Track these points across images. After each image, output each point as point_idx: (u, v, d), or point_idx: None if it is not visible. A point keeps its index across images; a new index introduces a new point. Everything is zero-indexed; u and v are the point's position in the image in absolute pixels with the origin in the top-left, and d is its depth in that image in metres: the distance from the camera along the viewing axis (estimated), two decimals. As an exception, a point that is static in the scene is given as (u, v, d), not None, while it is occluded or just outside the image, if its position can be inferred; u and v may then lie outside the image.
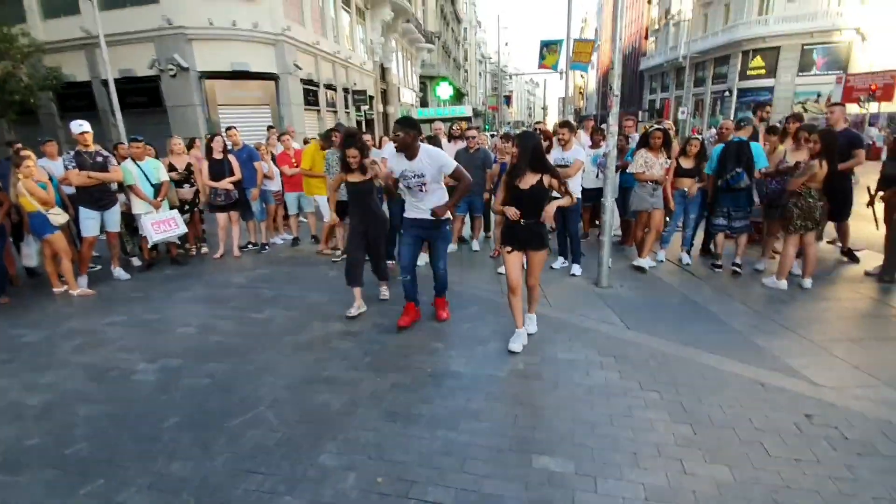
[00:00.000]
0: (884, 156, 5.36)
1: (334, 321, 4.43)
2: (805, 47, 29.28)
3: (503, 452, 2.56)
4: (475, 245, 6.96)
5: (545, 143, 6.64)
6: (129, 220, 6.19)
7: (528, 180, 3.52)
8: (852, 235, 5.80)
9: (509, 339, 3.77)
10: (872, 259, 5.51)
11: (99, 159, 5.52)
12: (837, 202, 4.98)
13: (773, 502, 2.19)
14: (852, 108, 21.53)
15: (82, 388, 3.37)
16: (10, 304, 5.09)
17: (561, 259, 5.93)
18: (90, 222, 5.50)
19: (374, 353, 3.77)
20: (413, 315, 4.27)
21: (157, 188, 6.02)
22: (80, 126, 5.43)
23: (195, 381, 3.40)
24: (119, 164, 5.86)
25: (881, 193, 5.05)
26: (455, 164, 3.93)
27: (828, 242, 6.32)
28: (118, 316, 4.71)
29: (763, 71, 30.95)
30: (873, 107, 20.23)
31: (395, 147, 3.88)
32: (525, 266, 3.81)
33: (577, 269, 5.64)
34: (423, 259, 5.61)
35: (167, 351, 3.90)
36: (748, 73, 31.65)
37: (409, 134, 3.78)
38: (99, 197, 5.52)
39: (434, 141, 6.08)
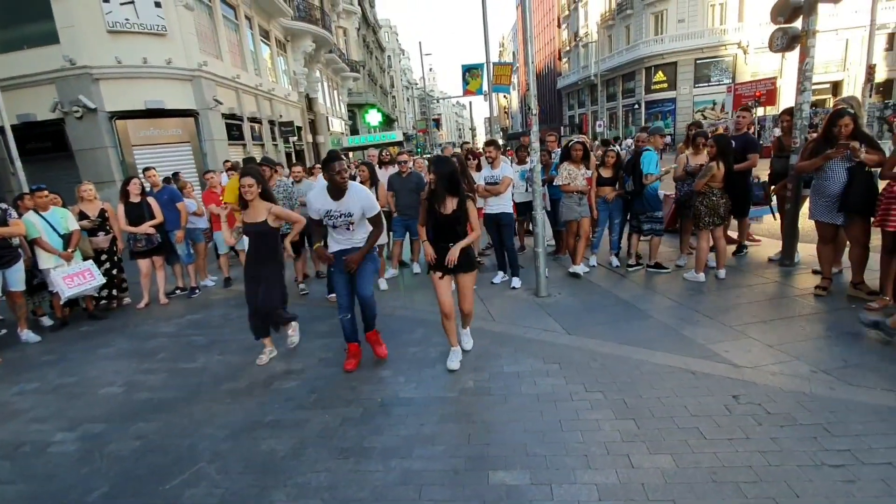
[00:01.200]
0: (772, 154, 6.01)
1: (276, 361, 4.25)
2: (698, 62, 32.45)
3: (459, 474, 2.55)
4: (415, 268, 6.98)
5: (474, 161, 6.90)
6: (31, 275, 5.61)
7: (449, 206, 3.56)
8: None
9: (464, 350, 3.92)
10: (773, 247, 6.10)
11: None
12: (738, 200, 5.46)
13: (713, 482, 2.33)
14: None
15: (-13, 470, 2.99)
16: None
17: (500, 273, 6.07)
18: None
19: (319, 390, 3.64)
20: (359, 356, 4.04)
21: (67, 239, 5.56)
22: None
23: (122, 445, 3.12)
24: (21, 216, 5.36)
25: (773, 187, 5.64)
26: (378, 209, 3.82)
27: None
28: (29, 384, 4.25)
29: (665, 84, 33.92)
30: (759, 111, 22.63)
31: (328, 186, 3.68)
32: (455, 290, 3.84)
33: (516, 281, 5.80)
34: (382, 283, 5.57)
35: (88, 416, 3.55)
36: (653, 87, 34.56)
37: (340, 173, 3.56)
38: None
39: (370, 168, 6.09)
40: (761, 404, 2.94)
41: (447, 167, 3.59)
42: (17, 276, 5.23)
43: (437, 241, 3.69)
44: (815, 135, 4.93)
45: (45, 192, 5.55)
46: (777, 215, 5.85)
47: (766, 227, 6.98)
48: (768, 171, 5.93)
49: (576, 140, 5.98)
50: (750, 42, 30.32)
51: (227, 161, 6.64)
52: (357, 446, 2.88)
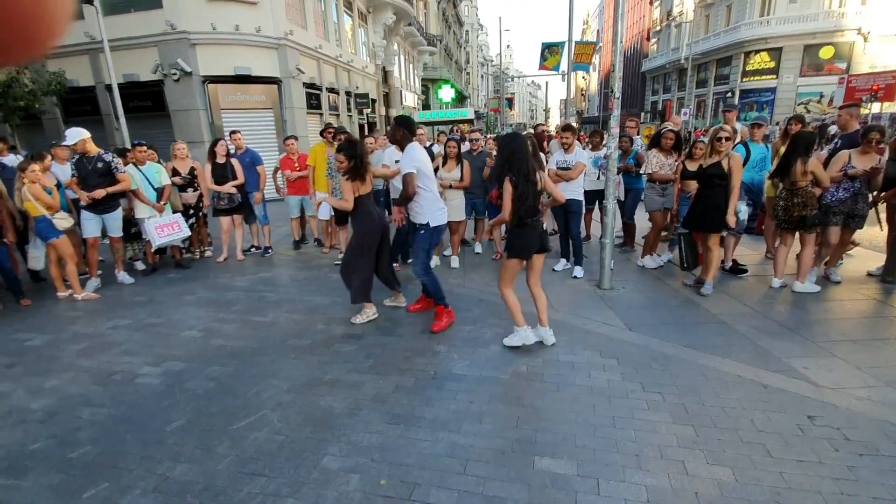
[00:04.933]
0: (886, 156, 5.34)
1: (337, 324, 4.45)
2: (808, 48, 29.23)
3: (505, 454, 2.57)
4: (477, 248, 6.98)
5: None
6: (132, 224, 6.22)
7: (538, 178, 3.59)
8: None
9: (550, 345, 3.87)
10: (875, 259, 5.50)
11: (100, 165, 5.48)
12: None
13: (775, 503, 2.19)
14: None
15: (86, 392, 3.39)
16: (31, 306, 5.19)
17: (563, 261, 5.94)
18: (90, 223, 5.53)
19: (376, 356, 3.78)
20: (424, 304, 4.57)
21: (160, 192, 6.06)
22: (76, 135, 5.35)
23: (199, 385, 3.42)
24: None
25: (883, 194, 5.04)
26: (409, 169, 4.00)
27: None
28: (122, 320, 4.74)
29: (769, 71, 30.85)
30: (875, 107, 20.15)
31: (389, 139, 4.22)
32: (526, 269, 3.82)
33: (578, 271, 5.65)
34: (434, 261, 5.78)
35: (170, 354, 3.92)
36: (748, 70, 31.57)
37: (398, 131, 4.12)
38: (99, 201, 5.47)
39: (459, 144, 6.19)
40: (840, 429, 2.70)
41: (505, 146, 3.61)
42: (115, 223, 5.77)
43: (522, 223, 3.54)
44: None
45: (145, 148, 6.07)
46: (884, 225, 5.24)
47: (868, 236, 6.28)
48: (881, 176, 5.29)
49: (669, 128, 5.67)
50: (872, 29, 26.84)
51: (330, 126, 6.91)
52: (408, 414, 2.97)
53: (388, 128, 4.12)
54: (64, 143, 5.53)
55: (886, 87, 19.95)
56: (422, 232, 4.20)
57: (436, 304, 4.31)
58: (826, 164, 4.90)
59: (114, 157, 5.64)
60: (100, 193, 5.41)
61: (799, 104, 28.81)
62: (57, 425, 2.98)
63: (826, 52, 28.71)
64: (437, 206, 4.23)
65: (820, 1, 28.75)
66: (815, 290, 4.76)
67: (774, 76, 30.50)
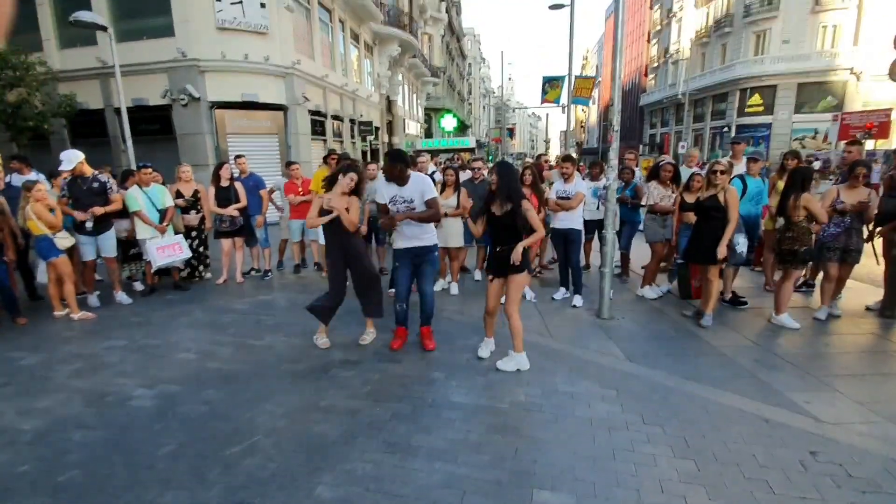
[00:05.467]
0: (881, 192, 5.41)
1: (334, 349, 4.41)
2: (801, 86, 29.97)
3: (503, 486, 2.52)
4: (477, 275, 6.98)
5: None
6: (131, 245, 6.24)
7: (504, 206, 3.77)
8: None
9: (510, 369, 3.90)
10: (873, 294, 5.50)
11: (95, 185, 5.55)
12: None
13: (779, 543, 2.13)
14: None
15: (78, 413, 3.34)
16: (27, 325, 5.17)
17: (563, 290, 5.93)
18: (86, 247, 5.59)
19: (373, 382, 3.74)
20: (404, 338, 4.47)
21: (163, 213, 6.11)
22: (74, 159, 5.38)
23: (192, 409, 3.37)
24: (127, 189, 5.97)
25: (879, 229, 5.09)
26: (435, 194, 4.15)
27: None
28: (118, 341, 4.70)
29: (761, 108, 31.59)
30: (869, 144, 20.54)
31: (385, 177, 4.23)
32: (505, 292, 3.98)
33: (578, 300, 5.64)
34: (440, 284, 5.94)
35: (166, 377, 3.88)
36: (746, 110, 32.29)
37: (395, 167, 4.06)
38: (95, 221, 5.52)
39: (457, 172, 6.30)
40: (842, 465, 2.65)
41: (505, 170, 3.87)
42: (110, 243, 5.79)
43: (494, 245, 3.90)
44: None
45: (150, 170, 6.14)
46: (881, 259, 5.27)
47: (864, 270, 6.30)
48: (876, 212, 5.35)
49: (666, 161, 5.78)
50: (865, 69, 27.60)
51: (333, 152, 7.06)
52: (404, 442, 2.92)
53: (384, 164, 4.21)
54: (61, 168, 5.54)
55: (880, 125, 20.37)
56: (436, 253, 4.39)
57: (424, 325, 4.42)
58: None
59: (108, 178, 5.72)
60: (98, 210, 5.49)
61: (794, 140, 29.35)
62: (46, 447, 2.93)
63: (825, 104, 29.53)
64: (434, 229, 4.42)
65: (813, 42, 29.65)
66: (795, 326, 4.73)
67: (770, 113, 31.18)
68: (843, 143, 21.05)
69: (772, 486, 2.49)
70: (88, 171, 5.59)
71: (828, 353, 4.23)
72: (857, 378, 3.72)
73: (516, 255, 3.69)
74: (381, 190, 4.20)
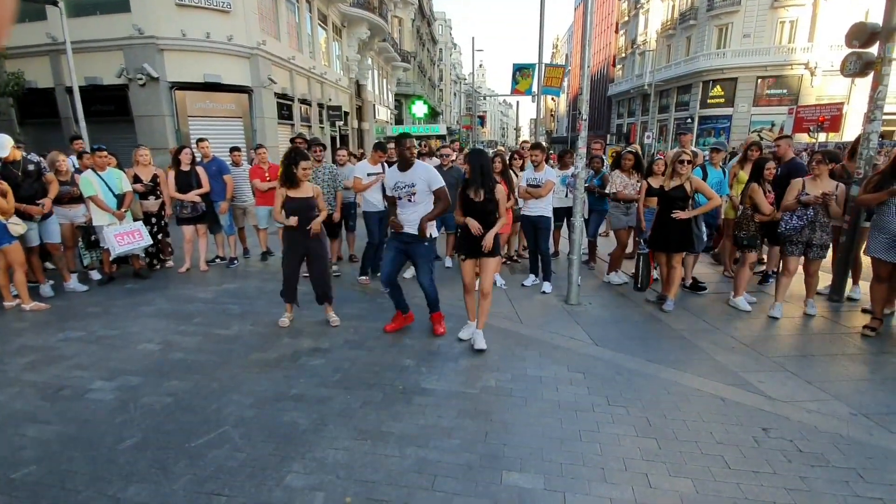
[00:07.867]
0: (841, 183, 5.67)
1: (304, 337, 4.36)
2: (760, 79, 31.07)
3: (473, 469, 2.56)
4: (447, 262, 7.00)
5: (519, 161, 6.89)
6: (90, 232, 5.96)
7: (481, 193, 3.88)
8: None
9: (466, 337, 4.22)
10: (823, 280, 5.80)
11: (31, 167, 5.23)
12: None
13: (733, 514, 2.26)
14: (802, 138, 22.91)
15: (32, 408, 3.19)
16: None
17: (532, 276, 6.03)
18: (30, 233, 5.26)
19: (343, 370, 3.72)
20: (401, 321, 4.51)
21: (120, 199, 5.84)
22: (4, 147, 5.04)
23: (155, 400, 3.27)
24: (80, 173, 5.67)
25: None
26: (442, 183, 4.15)
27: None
28: (74, 332, 4.51)
29: (722, 100, 32.61)
30: (822, 137, 21.52)
31: (398, 162, 4.18)
32: (478, 273, 4.11)
33: (547, 286, 5.74)
34: (410, 272, 5.94)
35: (126, 368, 3.75)
36: (708, 101, 33.28)
37: (406, 147, 4.11)
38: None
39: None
40: (793, 441, 2.82)
41: (481, 158, 3.97)
42: (52, 228, 5.50)
43: (467, 229, 3.96)
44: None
45: (104, 153, 5.84)
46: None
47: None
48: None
49: (628, 149, 5.91)
50: (819, 64, 28.81)
51: (301, 136, 6.85)
52: (375, 429, 2.92)
53: (398, 148, 4.15)
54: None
55: (832, 119, 21.34)
56: (426, 245, 4.32)
57: (433, 312, 4.49)
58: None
59: (40, 159, 5.44)
60: (48, 204, 5.27)
61: (752, 131, 30.47)
62: (-3, 444, 2.79)
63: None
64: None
65: (771, 36, 30.69)
66: (747, 308, 5.02)
67: (730, 105, 32.24)
68: (797, 134, 22.04)
69: (728, 462, 2.62)
70: (18, 154, 5.24)
71: (779, 336, 4.46)
72: (808, 359, 3.94)
73: (487, 242, 3.83)
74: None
